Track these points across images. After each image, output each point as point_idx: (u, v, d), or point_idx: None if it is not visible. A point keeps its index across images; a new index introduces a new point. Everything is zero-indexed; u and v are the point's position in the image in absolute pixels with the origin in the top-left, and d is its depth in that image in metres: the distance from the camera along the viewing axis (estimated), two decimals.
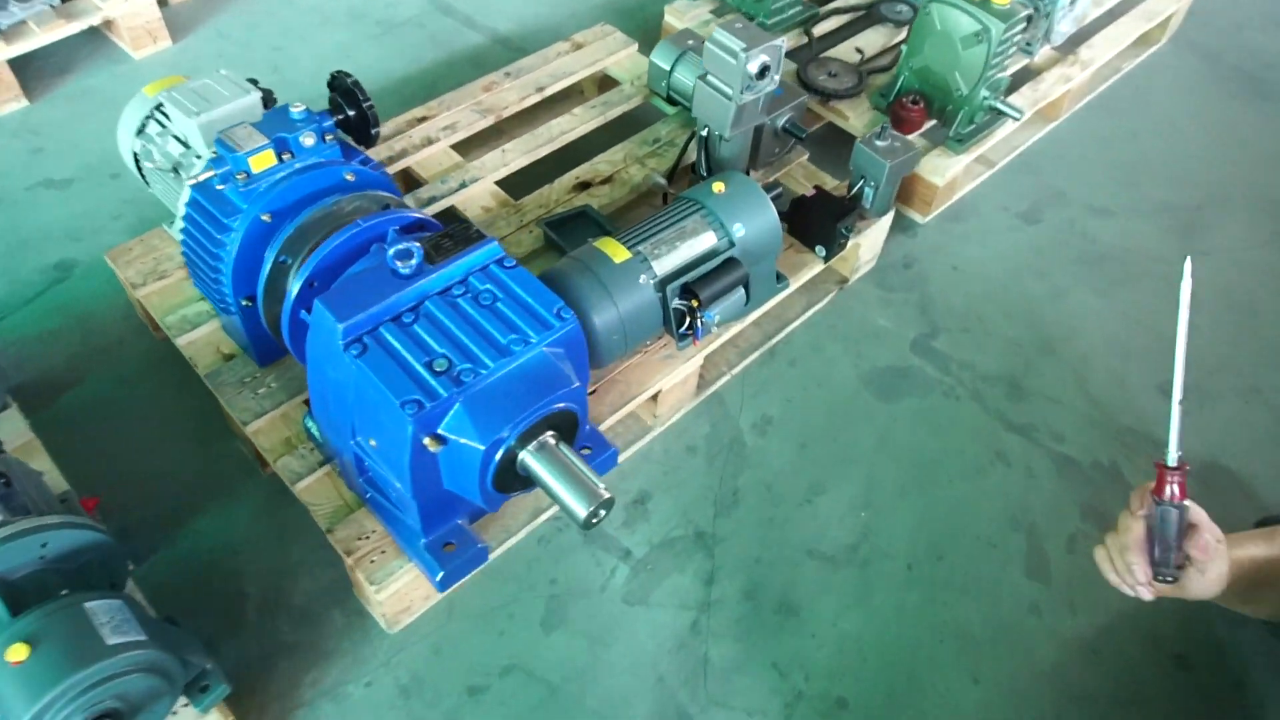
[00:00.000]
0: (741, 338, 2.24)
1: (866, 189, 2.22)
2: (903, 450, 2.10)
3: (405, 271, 1.53)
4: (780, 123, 2.29)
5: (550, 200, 2.25)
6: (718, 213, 1.93)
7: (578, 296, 1.79)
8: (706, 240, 1.92)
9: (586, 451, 1.77)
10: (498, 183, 2.32)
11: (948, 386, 2.22)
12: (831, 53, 2.70)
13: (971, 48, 2.35)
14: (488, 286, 1.56)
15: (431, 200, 2.23)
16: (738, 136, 2.13)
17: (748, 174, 2.26)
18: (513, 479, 1.53)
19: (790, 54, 2.72)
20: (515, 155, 2.36)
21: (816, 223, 2.15)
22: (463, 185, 2.27)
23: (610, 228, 2.15)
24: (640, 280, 1.83)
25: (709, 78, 2.07)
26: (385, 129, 2.36)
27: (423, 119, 2.40)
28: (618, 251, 1.85)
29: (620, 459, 2.03)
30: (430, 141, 2.36)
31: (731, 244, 1.93)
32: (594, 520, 1.45)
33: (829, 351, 2.28)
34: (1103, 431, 2.16)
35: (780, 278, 2.12)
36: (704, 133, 2.14)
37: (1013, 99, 2.58)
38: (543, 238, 2.15)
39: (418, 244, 1.53)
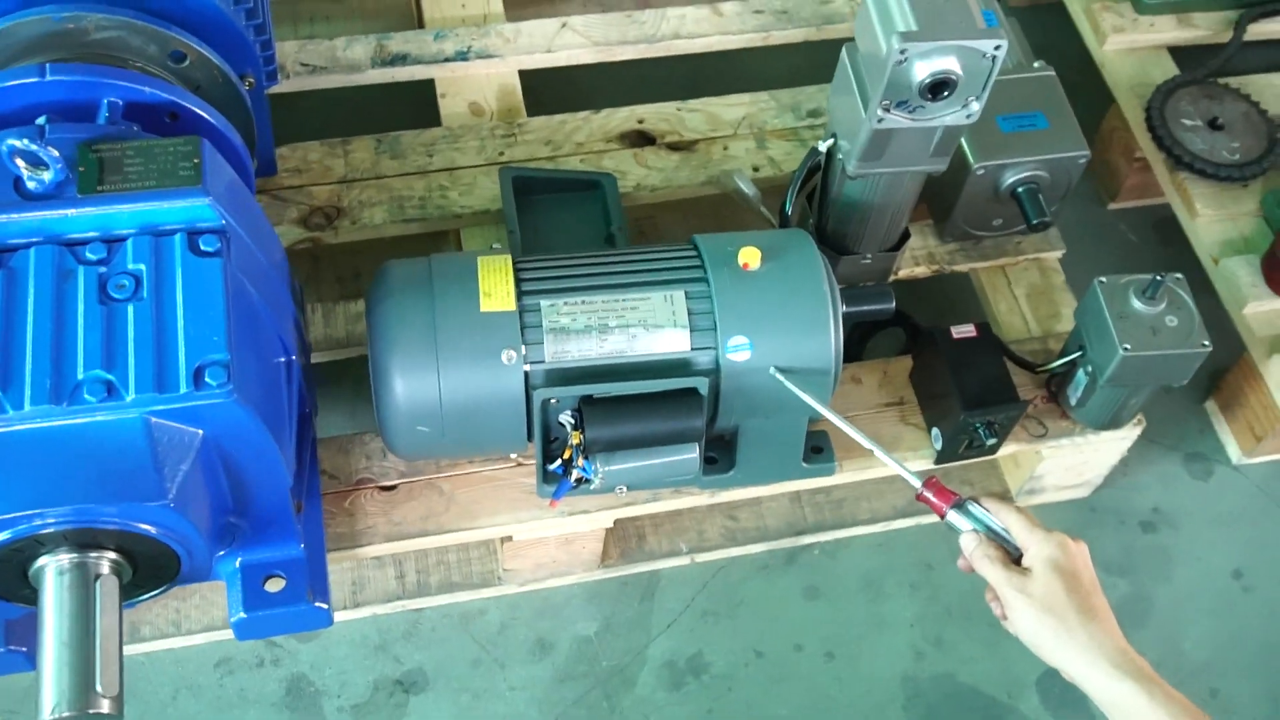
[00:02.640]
0: (751, 508, 1.84)
1: (1080, 371, 1.68)
2: None
3: (31, 185, 1.31)
4: (1007, 181, 1.78)
5: (571, 140, 1.92)
6: (717, 302, 1.52)
7: (381, 334, 1.50)
8: (667, 341, 1.53)
9: (275, 585, 1.51)
10: (525, 73, 2.02)
11: None
12: (1246, 82, 2.07)
13: None
14: (139, 268, 1.32)
15: (398, 60, 1.97)
16: (877, 180, 1.66)
17: (899, 244, 1.79)
18: (24, 588, 1.32)
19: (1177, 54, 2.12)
20: (579, 42, 2.03)
21: (947, 388, 1.66)
22: (462, 55, 1.99)
23: (616, 232, 1.79)
24: (502, 358, 1.49)
25: (857, 47, 1.61)
26: None
27: None
28: (496, 288, 1.52)
29: (427, 604, 1.77)
30: None
31: (714, 368, 1.52)
32: None
33: (889, 605, 1.84)
34: None
35: (820, 452, 1.68)
36: (824, 146, 1.69)
37: None
38: (499, 195, 1.83)
39: (55, 152, 1.30)
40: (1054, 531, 1.27)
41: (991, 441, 1.66)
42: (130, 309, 1.29)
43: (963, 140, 1.76)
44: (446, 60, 1.98)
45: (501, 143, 1.91)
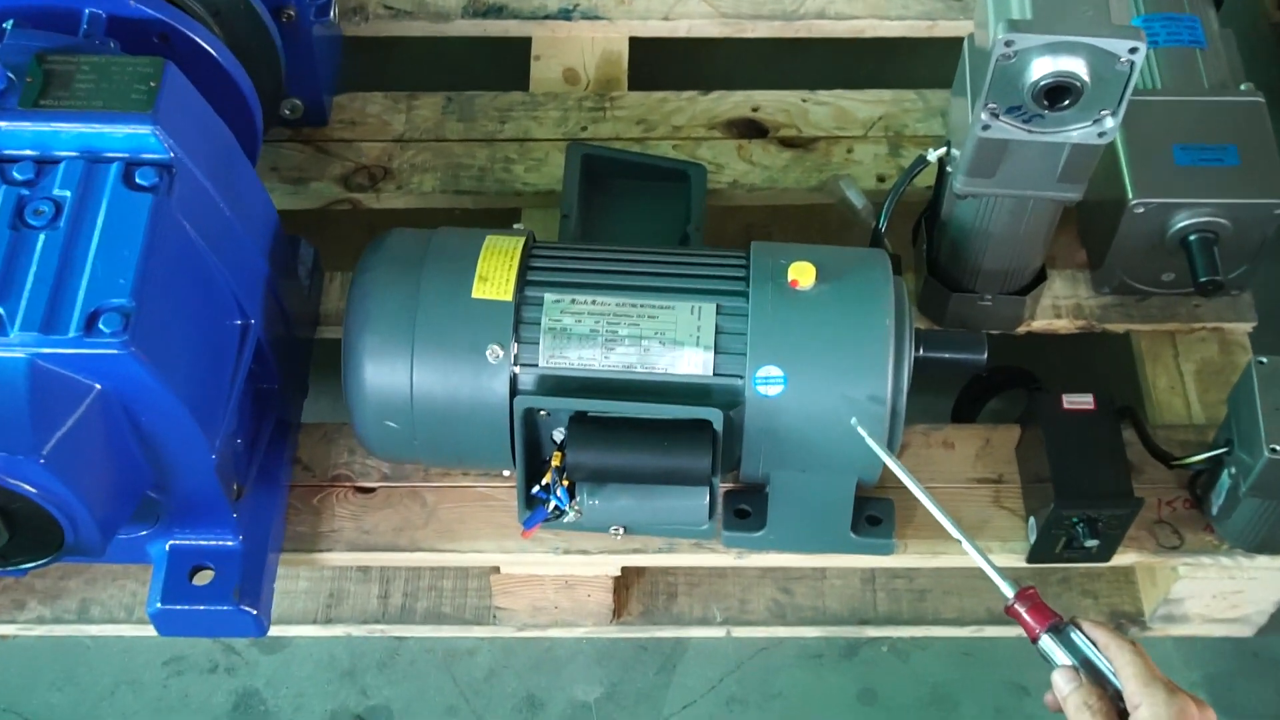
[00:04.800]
0: (811, 583, 1.66)
1: (1225, 472, 1.42)
2: None
3: None
4: (1176, 225, 1.53)
5: (669, 121, 1.78)
6: (752, 322, 1.35)
7: (356, 309, 1.39)
8: (685, 361, 1.36)
9: (203, 578, 1.42)
10: (635, 41, 1.89)
11: None
12: None
13: None
14: (64, 195, 1.26)
15: (493, 11, 1.87)
16: (992, 204, 1.45)
17: (1030, 287, 1.57)
18: None
19: None
20: (704, 12, 1.88)
21: (1044, 471, 1.43)
22: (566, 13, 1.86)
23: (692, 232, 1.64)
24: (487, 354, 1.36)
25: (974, 41, 1.42)
26: None
27: None
28: (495, 273, 1.39)
29: (410, 633, 1.65)
30: None
31: (734, 400, 1.34)
32: None
33: None
34: None
35: (877, 524, 1.47)
36: (934, 155, 1.49)
37: None
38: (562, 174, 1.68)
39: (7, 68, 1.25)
40: (1178, 690, 1.07)
41: (1092, 544, 1.42)
42: (41, 238, 1.25)
43: (1124, 169, 1.53)
44: (547, 17, 1.87)
45: (587, 116, 1.77)
